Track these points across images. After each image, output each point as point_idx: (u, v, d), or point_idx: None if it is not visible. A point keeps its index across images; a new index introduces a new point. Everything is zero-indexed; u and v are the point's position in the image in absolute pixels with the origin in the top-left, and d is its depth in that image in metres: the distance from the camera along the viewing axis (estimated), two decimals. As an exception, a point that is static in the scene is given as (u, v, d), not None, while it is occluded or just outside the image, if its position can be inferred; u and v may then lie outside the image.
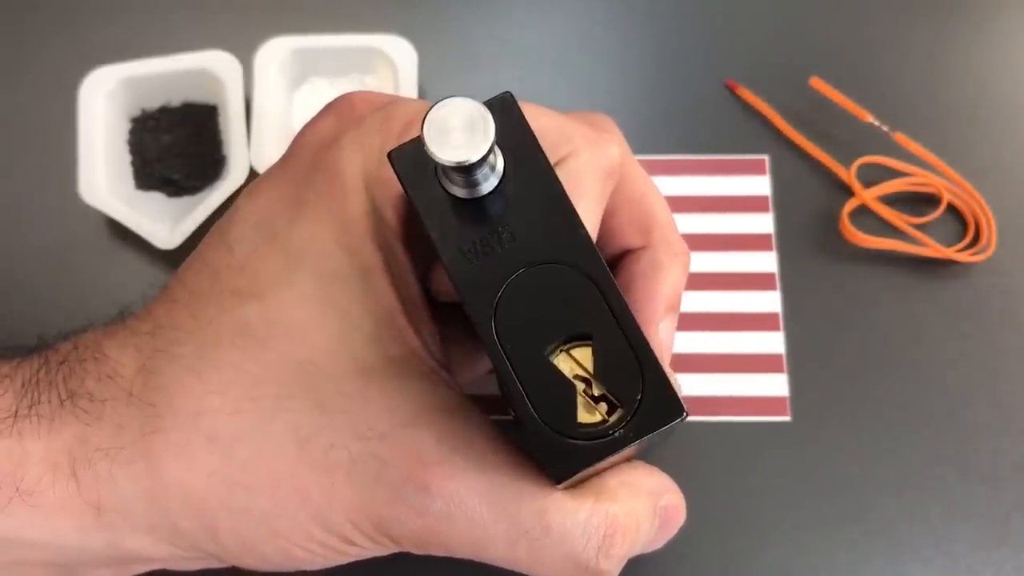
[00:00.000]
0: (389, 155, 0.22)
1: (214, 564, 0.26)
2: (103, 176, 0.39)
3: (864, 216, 0.39)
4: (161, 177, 0.40)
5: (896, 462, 0.35)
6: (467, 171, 0.20)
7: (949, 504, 0.35)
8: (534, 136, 0.21)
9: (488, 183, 0.21)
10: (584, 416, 0.20)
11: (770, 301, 0.38)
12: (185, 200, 0.40)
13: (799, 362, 0.37)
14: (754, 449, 0.36)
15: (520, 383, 0.20)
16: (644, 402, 0.20)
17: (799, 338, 0.37)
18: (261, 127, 0.39)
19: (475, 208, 0.21)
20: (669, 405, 0.20)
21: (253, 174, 0.38)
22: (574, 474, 0.20)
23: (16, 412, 0.23)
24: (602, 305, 0.20)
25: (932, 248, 0.38)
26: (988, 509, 0.34)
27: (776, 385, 0.37)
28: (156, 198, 0.40)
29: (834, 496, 0.35)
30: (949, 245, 0.38)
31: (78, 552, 0.24)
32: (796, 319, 0.38)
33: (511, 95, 0.22)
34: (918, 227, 0.38)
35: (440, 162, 0.19)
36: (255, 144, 0.38)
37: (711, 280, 0.38)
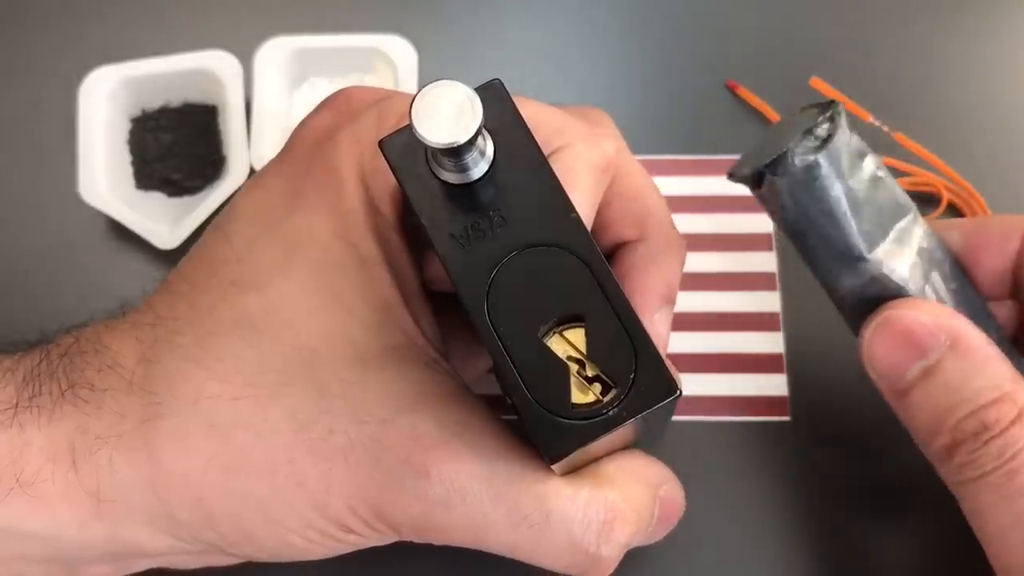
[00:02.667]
0: (380, 143, 0.22)
1: (214, 560, 0.26)
2: (103, 176, 0.39)
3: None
4: (161, 177, 0.40)
5: (896, 462, 0.35)
6: (456, 154, 0.20)
7: (950, 504, 0.35)
8: (523, 120, 0.21)
9: (478, 168, 0.21)
10: (578, 396, 0.20)
11: (770, 301, 0.38)
12: (185, 200, 0.40)
13: (799, 362, 0.37)
14: (754, 449, 0.36)
15: (514, 365, 0.20)
16: (637, 381, 0.20)
17: (799, 338, 0.37)
18: (261, 127, 0.39)
19: (466, 194, 0.21)
20: (662, 384, 0.20)
21: (253, 174, 0.38)
22: (568, 453, 0.20)
23: (17, 404, 0.23)
24: (594, 286, 0.20)
25: None
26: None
27: (776, 385, 0.37)
28: (156, 198, 0.40)
29: (834, 496, 0.35)
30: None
31: (78, 545, 0.24)
32: (796, 319, 0.38)
33: (499, 81, 0.22)
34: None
35: (428, 143, 0.19)
36: (255, 144, 0.38)
37: (711, 280, 0.38)
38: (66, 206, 0.40)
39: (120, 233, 0.39)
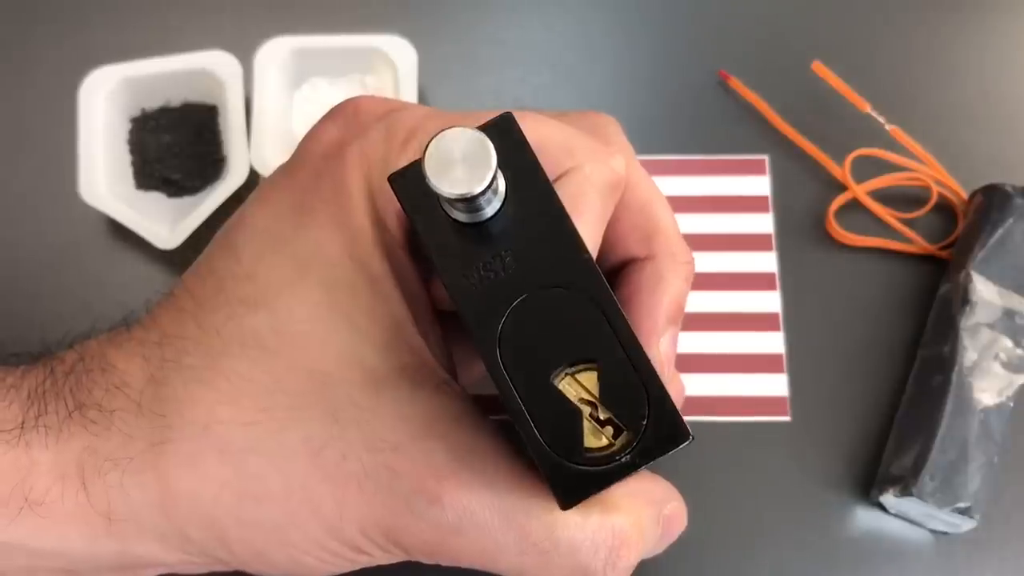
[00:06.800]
0: (390, 179, 0.21)
1: (222, 568, 0.26)
2: (103, 176, 0.39)
3: (862, 214, 0.39)
4: (161, 177, 0.40)
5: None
6: (467, 200, 0.20)
7: (949, 504, 0.35)
8: (535, 157, 0.21)
9: (491, 207, 0.21)
10: (591, 441, 0.20)
11: (770, 301, 0.38)
12: (185, 200, 0.40)
13: (799, 362, 0.37)
14: (754, 449, 0.36)
15: (526, 410, 0.20)
16: (649, 427, 0.20)
17: (799, 338, 0.37)
18: (261, 127, 0.39)
19: (477, 232, 0.21)
20: (674, 430, 0.20)
21: (253, 174, 0.38)
22: (582, 500, 0.20)
23: (23, 423, 0.23)
24: (606, 329, 0.20)
25: (917, 244, 0.38)
26: (988, 509, 0.34)
27: (776, 385, 0.37)
28: (156, 198, 0.40)
29: (834, 496, 0.35)
30: (937, 241, 0.38)
31: (87, 559, 0.24)
32: (796, 319, 0.38)
33: (511, 115, 0.21)
34: (907, 223, 0.38)
35: (443, 195, 0.19)
36: (255, 144, 0.38)
37: (711, 280, 0.38)
38: (66, 206, 0.40)
39: (120, 233, 0.39)
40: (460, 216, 0.21)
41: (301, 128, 0.40)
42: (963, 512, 0.32)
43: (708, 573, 0.34)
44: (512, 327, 0.20)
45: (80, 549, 0.23)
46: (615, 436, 0.20)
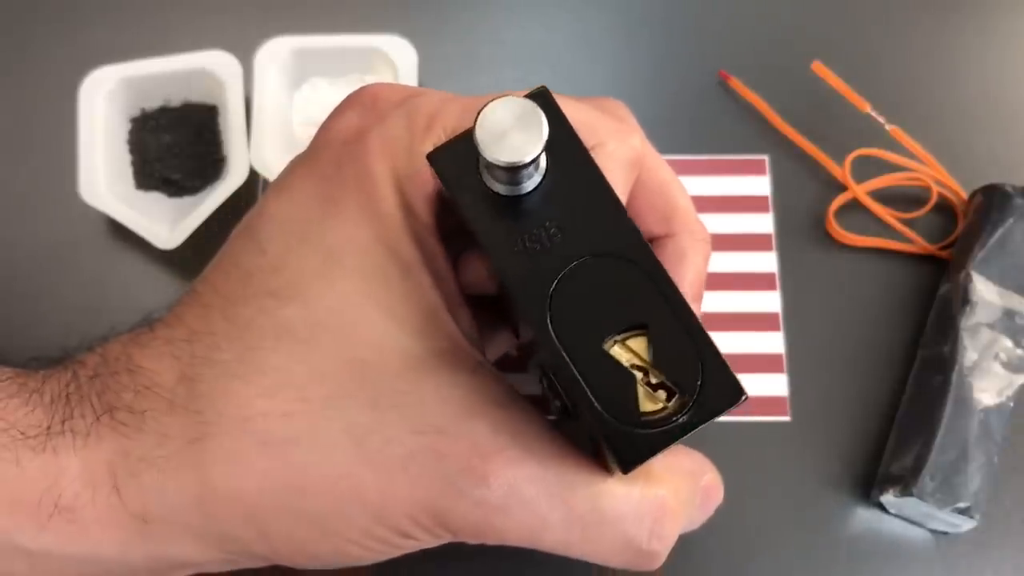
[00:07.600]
0: (429, 157, 0.22)
1: (258, 564, 0.26)
2: (103, 176, 0.39)
3: (862, 214, 0.39)
4: (161, 177, 0.40)
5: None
6: (517, 169, 0.20)
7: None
8: (573, 129, 0.21)
9: (532, 180, 0.21)
10: (646, 405, 0.20)
11: (770, 301, 0.38)
12: (185, 200, 0.40)
13: (799, 362, 0.37)
14: (754, 449, 0.36)
15: (581, 377, 0.20)
16: (705, 387, 0.20)
17: (799, 338, 0.37)
18: (261, 127, 0.39)
19: (520, 204, 0.21)
20: (729, 388, 0.20)
21: (253, 174, 0.38)
22: (643, 462, 0.20)
23: (48, 428, 0.23)
24: (655, 294, 0.20)
25: (917, 244, 0.38)
26: (988, 509, 0.34)
27: (776, 385, 0.37)
28: (156, 198, 0.40)
29: (834, 496, 0.35)
30: (937, 241, 0.38)
31: (120, 564, 0.24)
32: (796, 319, 0.38)
33: (547, 89, 0.21)
34: (907, 223, 0.38)
35: (497, 164, 0.19)
36: (255, 144, 0.38)
37: (711, 280, 0.38)
38: (66, 206, 0.40)
39: (120, 233, 0.39)
40: (503, 189, 0.21)
41: (301, 128, 0.40)
42: (963, 512, 0.32)
43: (708, 573, 0.34)
44: (560, 297, 0.20)
45: (112, 554, 0.23)
46: (668, 399, 0.20)
